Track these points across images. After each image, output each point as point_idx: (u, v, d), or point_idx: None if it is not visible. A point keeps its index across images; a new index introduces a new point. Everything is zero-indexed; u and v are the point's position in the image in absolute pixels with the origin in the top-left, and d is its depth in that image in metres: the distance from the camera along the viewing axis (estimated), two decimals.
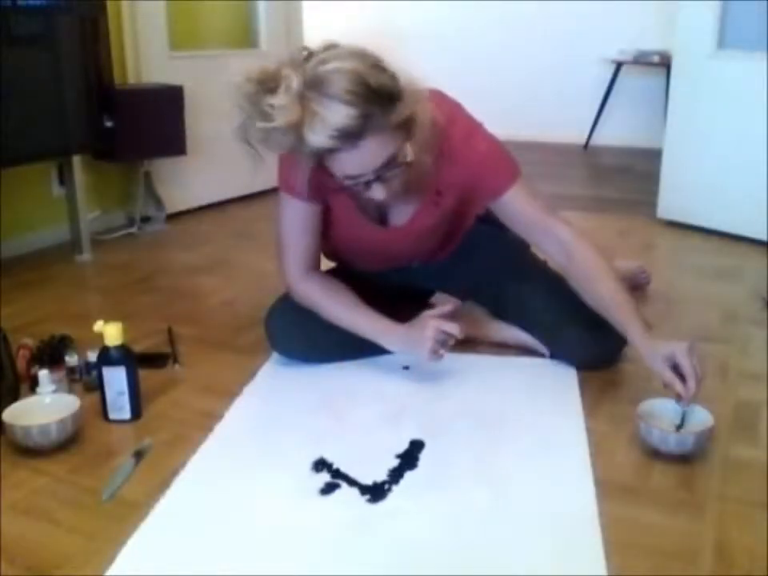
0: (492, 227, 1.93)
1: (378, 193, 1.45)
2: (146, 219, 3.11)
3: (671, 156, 3.10)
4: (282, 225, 1.69)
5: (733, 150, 2.87)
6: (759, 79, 2.74)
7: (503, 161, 1.62)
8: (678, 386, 1.45)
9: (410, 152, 1.41)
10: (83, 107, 2.57)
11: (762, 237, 2.79)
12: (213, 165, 3.38)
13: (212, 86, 3.31)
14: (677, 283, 2.41)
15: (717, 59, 2.89)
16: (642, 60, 4.81)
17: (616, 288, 1.59)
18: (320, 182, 1.54)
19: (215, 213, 3.38)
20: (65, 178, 2.73)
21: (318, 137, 1.31)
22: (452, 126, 1.55)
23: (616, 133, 5.15)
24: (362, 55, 1.33)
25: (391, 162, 1.40)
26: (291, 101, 1.30)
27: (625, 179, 4.19)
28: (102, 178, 3.02)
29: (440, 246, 1.83)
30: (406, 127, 1.38)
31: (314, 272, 1.74)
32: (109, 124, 2.71)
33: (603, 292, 1.60)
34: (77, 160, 2.67)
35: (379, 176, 1.41)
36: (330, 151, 1.35)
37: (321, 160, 1.42)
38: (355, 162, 1.38)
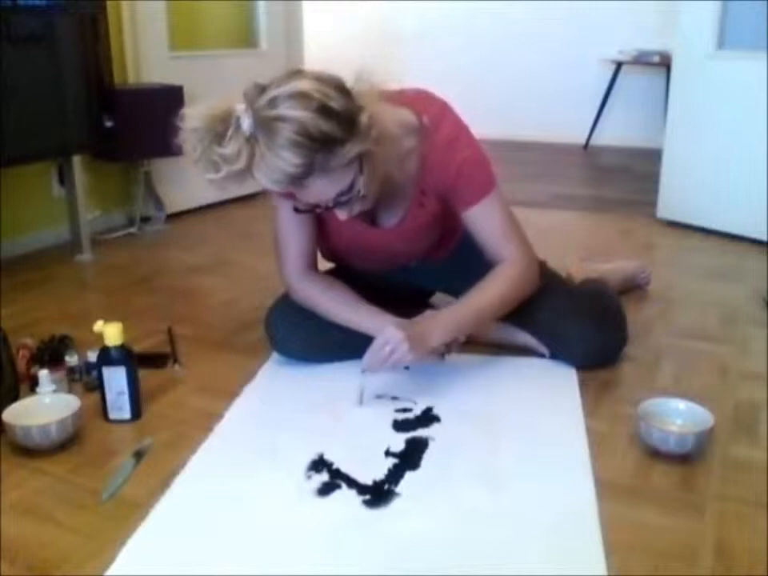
0: None
1: (341, 215, 1.48)
2: (146, 219, 3.11)
3: (671, 156, 3.10)
4: (279, 226, 1.70)
5: (733, 150, 2.87)
6: (759, 79, 2.74)
7: (477, 174, 1.61)
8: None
9: (362, 184, 1.42)
10: (83, 107, 2.57)
11: (762, 237, 2.79)
12: None
13: (212, 86, 3.32)
14: (677, 283, 2.41)
15: (717, 59, 2.89)
16: (642, 60, 4.81)
17: (490, 295, 1.62)
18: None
19: (215, 213, 3.38)
20: (65, 178, 2.73)
21: (265, 181, 1.35)
22: (436, 130, 1.56)
23: (616, 133, 5.15)
24: (308, 97, 1.30)
25: (345, 193, 1.42)
26: (239, 147, 1.32)
27: (625, 179, 4.19)
28: (102, 178, 3.02)
29: (437, 244, 1.83)
30: (359, 161, 1.39)
31: (313, 271, 1.74)
32: (109, 124, 2.71)
33: (481, 288, 1.63)
34: (77, 160, 2.67)
35: (338, 203, 1.44)
36: (286, 187, 1.38)
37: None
38: (309, 197, 1.43)
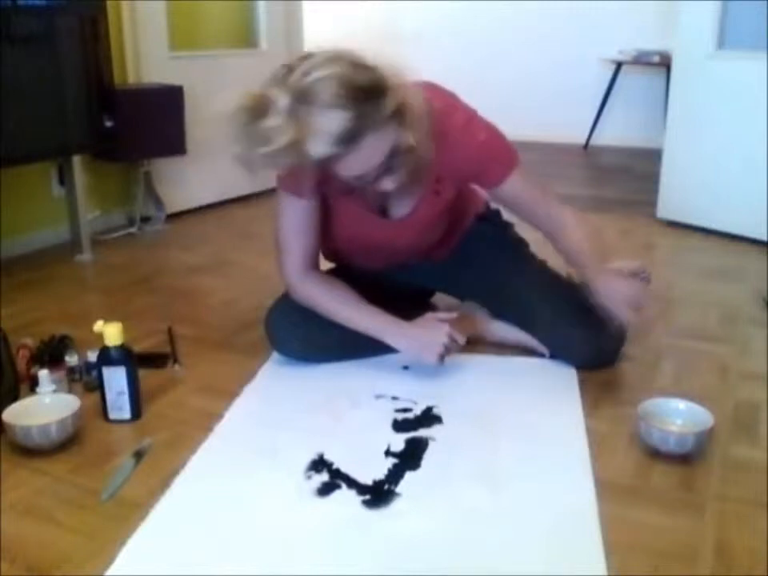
0: (491, 227, 1.94)
1: (388, 184, 1.46)
2: (146, 219, 3.11)
3: (671, 156, 3.10)
4: (282, 224, 1.69)
5: (733, 150, 2.87)
6: (759, 79, 2.74)
7: (502, 149, 1.64)
8: (625, 311, 1.60)
9: (409, 137, 1.42)
10: (83, 107, 2.57)
11: (762, 237, 2.79)
12: (213, 165, 3.38)
13: (212, 86, 3.32)
14: (677, 283, 2.41)
15: (717, 59, 2.89)
16: (642, 60, 4.81)
17: (583, 238, 1.68)
18: (319, 179, 1.56)
19: (215, 213, 3.38)
20: (65, 178, 2.73)
21: (319, 147, 1.32)
22: (451, 115, 1.56)
23: (616, 133, 5.15)
24: (339, 57, 1.33)
25: (395, 152, 1.41)
26: (285, 120, 1.30)
27: (625, 179, 4.19)
28: (102, 178, 3.02)
29: (439, 242, 1.83)
30: (400, 115, 1.39)
31: (314, 271, 1.74)
32: (109, 124, 2.71)
33: (571, 241, 1.68)
34: (77, 160, 2.67)
35: (387, 168, 1.43)
36: (335, 157, 1.36)
37: (326, 167, 1.42)
38: (361, 162, 1.39)
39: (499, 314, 1.89)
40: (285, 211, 1.67)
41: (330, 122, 1.30)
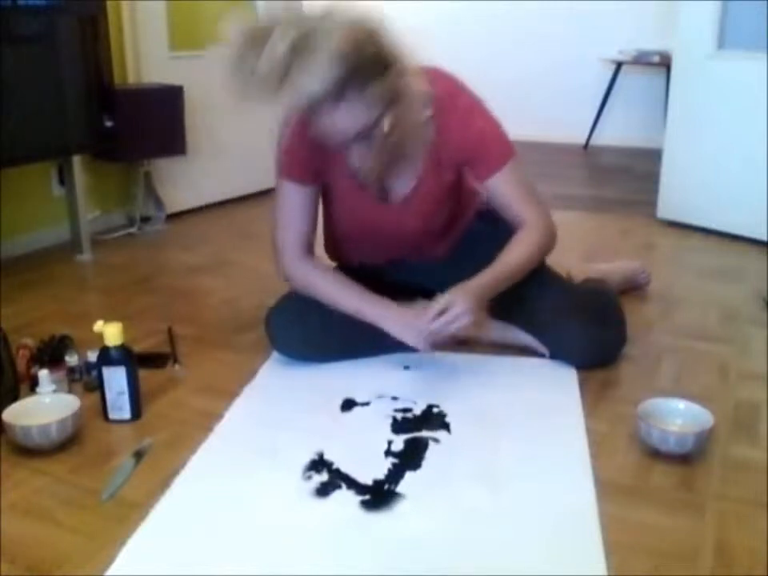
0: (491, 225, 1.94)
1: (358, 159, 1.49)
2: (146, 219, 3.11)
3: (671, 156, 3.10)
4: (281, 209, 1.71)
5: (733, 150, 2.87)
6: (759, 79, 2.74)
7: (498, 141, 1.66)
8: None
9: (387, 124, 1.43)
10: (83, 107, 2.57)
11: (762, 237, 2.79)
12: (213, 165, 3.38)
13: (212, 86, 3.32)
14: (677, 283, 2.41)
15: (717, 59, 2.89)
16: (642, 60, 4.80)
17: (509, 258, 1.67)
18: (318, 165, 1.60)
19: (215, 213, 3.38)
20: (65, 178, 2.73)
21: (305, 86, 1.33)
22: (454, 99, 1.61)
23: (616, 133, 5.14)
24: (359, 23, 1.35)
25: (368, 130, 1.42)
26: (283, 51, 1.31)
27: (625, 179, 4.19)
28: (102, 178, 3.02)
29: (440, 235, 1.83)
30: (389, 98, 1.40)
31: (311, 256, 1.76)
32: (109, 124, 2.71)
33: (503, 252, 1.68)
34: (77, 160, 2.67)
35: (357, 141, 1.44)
36: (314, 106, 1.37)
37: (306, 117, 1.43)
38: (335, 123, 1.41)
39: (499, 313, 1.89)
40: (284, 197, 1.70)
41: (318, 70, 1.31)
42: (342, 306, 1.70)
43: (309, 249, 1.75)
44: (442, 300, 1.57)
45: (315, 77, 1.32)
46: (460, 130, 1.61)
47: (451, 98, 1.60)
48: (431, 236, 1.82)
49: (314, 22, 1.33)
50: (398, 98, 1.42)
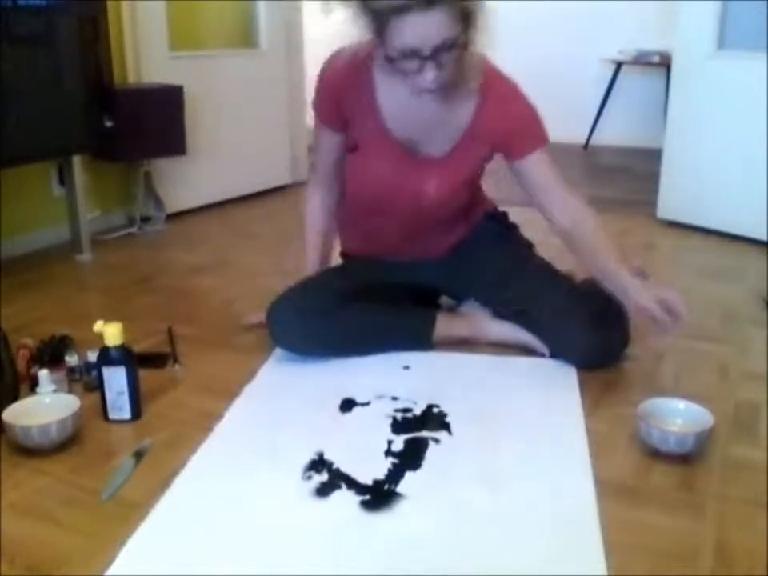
0: (498, 226, 1.94)
1: (429, 75, 1.48)
2: (146, 219, 3.11)
3: (671, 156, 3.10)
4: (316, 149, 1.86)
5: (733, 150, 2.87)
6: (759, 79, 2.74)
7: (536, 124, 1.71)
8: (664, 317, 1.53)
9: (468, 41, 1.49)
10: (83, 107, 2.57)
11: (762, 237, 2.79)
12: (213, 165, 3.38)
13: (212, 86, 3.33)
14: (677, 283, 2.40)
15: (717, 59, 2.89)
16: (642, 60, 4.81)
17: (606, 236, 1.70)
18: (347, 113, 1.71)
19: (215, 213, 3.38)
20: (65, 178, 2.73)
21: None
22: (499, 80, 1.68)
23: (616, 133, 5.14)
24: None
25: (450, 44, 1.45)
26: None
27: (625, 179, 4.19)
28: (101, 178, 3.02)
29: (449, 223, 1.85)
30: (471, 20, 1.47)
31: (325, 190, 1.89)
32: (109, 124, 2.71)
33: (601, 263, 1.68)
34: (77, 160, 2.67)
35: (435, 55, 1.45)
36: (401, 11, 1.39)
37: (382, 32, 1.45)
38: (419, 30, 1.42)
39: (500, 312, 1.89)
40: (318, 139, 1.83)
41: None
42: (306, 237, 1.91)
43: (329, 185, 1.88)
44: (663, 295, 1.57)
45: None
46: (500, 111, 1.67)
47: (496, 78, 1.67)
48: (442, 219, 1.83)
49: None
50: (475, 24, 1.49)
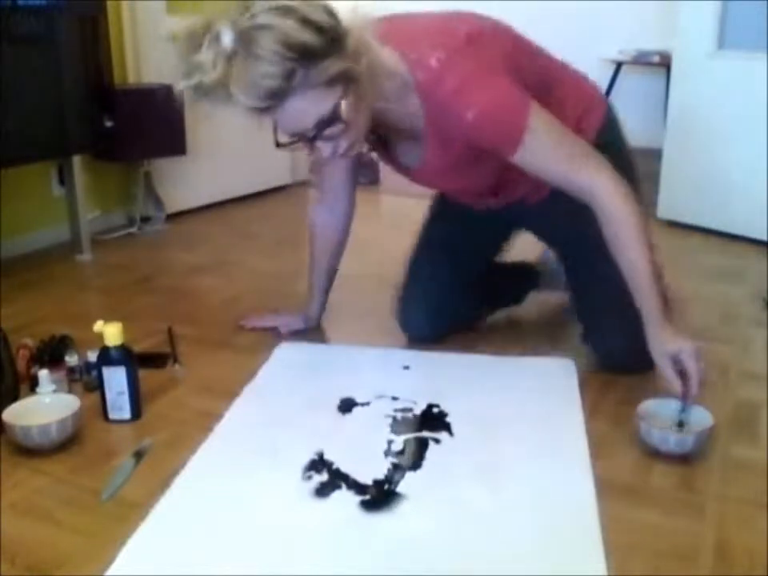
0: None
1: (324, 151, 1.40)
2: (146, 219, 3.11)
3: (671, 156, 3.10)
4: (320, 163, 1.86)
5: (733, 150, 2.87)
6: (759, 79, 2.74)
7: (499, 125, 1.45)
8: (676, 384, 1.44)
9: (346, 109, 1.33)
10: (83, 107, 2.57)
11: (762, 237, 2.79)
12: (213, 165, 3.38)
13: None
14: (677, 283, 2.39)
15: (717, 59, 2.88)
16: (641, 60, 4.80)
17: (639, 261, 1.56)
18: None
19: (215, 213, 3.38)
20: (65, 178, 2.73)
21: (241, 98, 1.28)
22: (438, 84, 1.43)
23: None
24: (291, 10, 1.25)
25: (327, 120, 1.33)
26: (214, 58, 1.26)
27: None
28: (101, 178, 3.02)
29: (532, 189, 1.74)
30: (342, 82, 1.32)
31: (331, 201, 1.90)
32: (109, 124, 2.71)
33: (626, 264, 1.55)
34: (77, 160, 2.67)
35: (318, 135, 1.35)
36: (260, 111, 1.31)
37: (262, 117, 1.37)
38: (288, 121, 1.35)
39: (566, 272, 1.89)
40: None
41: (258, 73, 1.25)
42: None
43: (333, 193, 1.89)
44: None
45: (251, 85, 1.25)
46: (456, 112, 1.44)
47: (435, 84, 1.43)
48: (493, 186, 1.74)
49: (249, 19, 1.26)
50: (358, 72, 1.33)
